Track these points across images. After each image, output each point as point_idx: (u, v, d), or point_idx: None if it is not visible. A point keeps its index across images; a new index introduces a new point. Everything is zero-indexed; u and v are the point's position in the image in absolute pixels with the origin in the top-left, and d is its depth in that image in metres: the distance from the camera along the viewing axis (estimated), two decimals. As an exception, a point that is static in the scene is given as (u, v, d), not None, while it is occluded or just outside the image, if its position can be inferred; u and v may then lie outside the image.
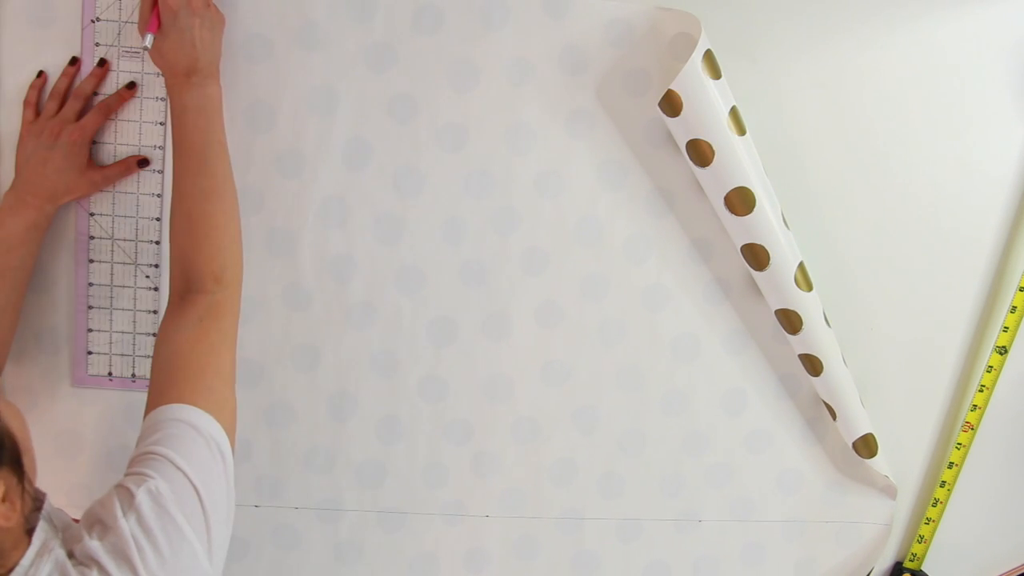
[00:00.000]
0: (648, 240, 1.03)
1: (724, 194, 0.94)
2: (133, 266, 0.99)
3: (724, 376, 1.07)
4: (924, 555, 1.15)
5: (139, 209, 0.98)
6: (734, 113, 0.93)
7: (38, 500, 0.70)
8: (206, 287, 0.83)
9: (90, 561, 0.64)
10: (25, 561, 0.63)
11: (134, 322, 1.00)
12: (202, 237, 0.84)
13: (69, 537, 0.67)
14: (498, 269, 1.02)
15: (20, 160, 0.91)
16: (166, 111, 0.96)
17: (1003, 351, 1.07)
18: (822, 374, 1.02)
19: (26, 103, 0.93)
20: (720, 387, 1.08)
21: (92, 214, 0.97)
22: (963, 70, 1.01)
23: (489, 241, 1.01)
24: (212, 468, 0.72)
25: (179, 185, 0.85)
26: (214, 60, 0.89)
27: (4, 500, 0.62)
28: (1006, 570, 1.18)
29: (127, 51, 0.94)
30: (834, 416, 1.06)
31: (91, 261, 0.98)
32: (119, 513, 0.66)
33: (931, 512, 1.13)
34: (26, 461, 0.67)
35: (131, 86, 0.94)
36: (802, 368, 1.05)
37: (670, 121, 0.93)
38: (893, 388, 1.10)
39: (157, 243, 0.98)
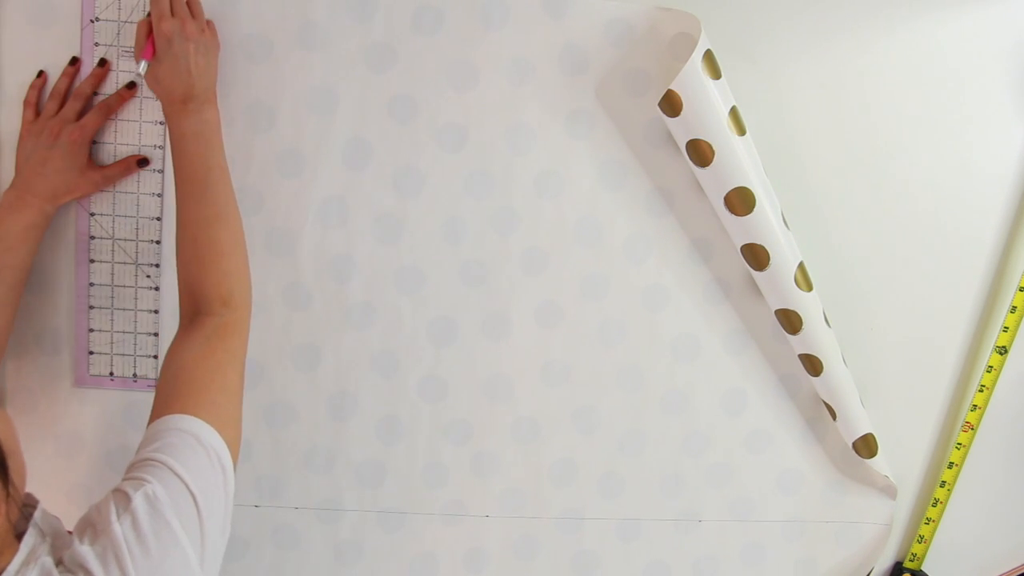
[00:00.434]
0: (648, 240, 1.03)
1: (724, 194, 0.94)
2: (134, 266, 0.99)
3: (724, 376, 1.07)
4: (924, 555, 1.15)
5: (139, 209, 0.98)
6: (734, 113, 0.93)
7: (29, 506, 0.69)
8: (214, 310, 0.83)
9: (78, 567, 0.63)
10: (11, 568, 0.62)
11: (135, 322, 1.00)
12: (209, 263, 0.84)
13: (60, 544, 0.66)
14: (498, 269, 1.02)
15: (20, 160, 0.91)
16: (165, 135, 0.96)
17: (1003, 351, 1.07)
18: (822, 374, 1.02)
19: (26, 103, 0.93)
20: (720, 387, 1.08)
21: (92, 214, 0.97)
22: (963, 70, 1.01)
23: (489, 241, 1.01)
24: (211, 478, 0.71)
25: (182, 212, 0.86)
26: (210, 85, 0.89)
27: None
28: (1006, 570, 1.18)
29: (127, 51, 0.94)
30: (834, 416, 1.06)
31: (92, 261, 0.98)
32: (113, 517, 0.65)
33: (931, 512, 1.13)
34: (12, 465, 0.65)
35: (131, 86, 0.94)
36: (802, 368, 1.05)
37: (670, 121, 0.93)
38: (893, 388, 1.10)
39: (158, 242, 0.98)
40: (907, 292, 1.07)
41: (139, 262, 0.99)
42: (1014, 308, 1.06)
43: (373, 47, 0.95)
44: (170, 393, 0.76)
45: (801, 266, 0.98)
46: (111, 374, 1.01)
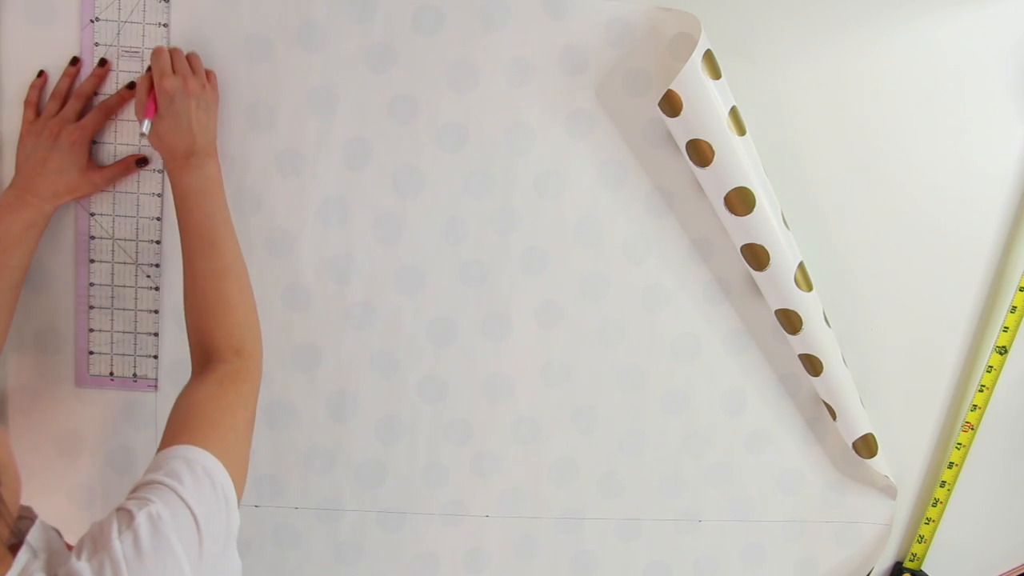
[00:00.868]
0: (648, 240, 1.03)
1: (724, 194, 0.94)
2: (134, 266, 0.99)
3: (724, 376, 1.07)
4: (924, 555, 1.15)
5: (139, 209, 0.98)
6: (734, 113, 0.93)
7: (27, 519, 0.69)
8: (226, 358, 0.84)
9: None
10: None
11: (135, 322, 1.00)
12: (220, 315, 0.85)
13: (56, 561, 0.66)
14: (498, 269, 1.02)
15: (20, 159, 0.91)
16: (162, 183, 0.97)
17: (1003, 351, 1.07)
18: (822, 374, 1.02)
19: (27, 103, 0.93)
20: (720, 387, 1.08)
21: (92, 214, 0.97)
22: (963, 70, 1.01)
23: (489, 241, 1.01)
24: (214, 507, 0.71)
25: (190, 266, 0.86)
26: (211, 139, 0.90)
27: None
28: (1006, 570, 1.18)
29: (127, 51, 0.94)
30: (834, 416, 1.06)
31: (92, 261, 0.98)
32: (114, 533, 0.64)
33: (931, 512, 1.13)
34: (3, 479, 0.65)
35: (131, 86, 0.94)
36: (802, 368, 1.05)
37: (670, 121, 0.93)
38: (893, 388, 1.10)
39: (158, 242, 0.98)
40: (907, 292, 1.07)
41: (139, 262, 0.99)
42: (1014, 308, 1.06)
43: (373, 47, 0.95)
44: (179, 427, 0.76)
45: (801, 266, 0.98)
46: (111, 374, 1.01)
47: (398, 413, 1.04)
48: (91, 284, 0.99)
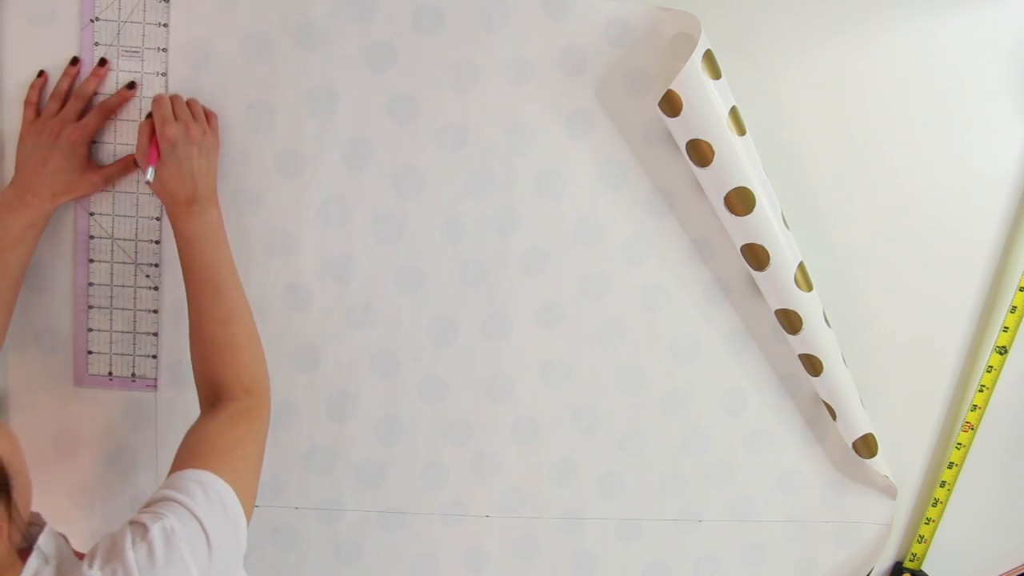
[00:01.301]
0: (648, 240, 1.03)
1: (724, 194, 0.94)
2: (133, 265, 0.99)
3: (724, 376, 1.07)
4: (924, 555, 1.15)
5: (139, 209, 0.98)
6: (734, 113, 0.92)
7: (35, 525, 0.69)
8: (236, 396, 0.85)
9: None
10: None
11: (134, 321, 1.00)
12: (229, 358, 0.86)
13: (66, 568, 0.67)
14: (498, 269, 1.02)
15: (20, 159, 0.91)
16: (162, 223, 0.98)
17: (1003, 351, 1.07)
18: (822, 374, 1.02)
19: (27, 102, 0.93)
20: (720, 387, 1.08)
21: (92, 214, 0.97)
22: (963, 70, 1.01)
23: (489, 241, 1.01)
24: (225, 529, 0.72)
25: (196, 311, 0.87)
26: (212, 184, 0.91)
27: None
28: (1006, 570, 1.18)
29: (127, 50, 0.94)
30: (834, 416, 1.06)
31: (91, 261, 0.98)
32: (128, 544, 0.65)
33: (931, 512, 1.13)
34: (15, 486, 0.65)
35: (131, 86, 0.94)
36: (802, 368, 1.05)
37: (670, 121, 0.93)
38: (893, 388, 1.10)
39: (157, 242, 0.99)
40: (907, 292, 1.07)
41: (138, 262, 0.99)
42: (1014, 308, 1.06)
43: (373, 47, 0.95)
44: (191, 455, 0.77)
45: (801, 266, 0.98)
46: (110, 374, 1.01)
47: (398, 413, 1.04)
48: (90, 284, 0.99)
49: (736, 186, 0.93)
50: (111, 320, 1.00)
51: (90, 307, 0.99)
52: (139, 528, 0.67)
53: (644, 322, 1.05)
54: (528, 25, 0.96)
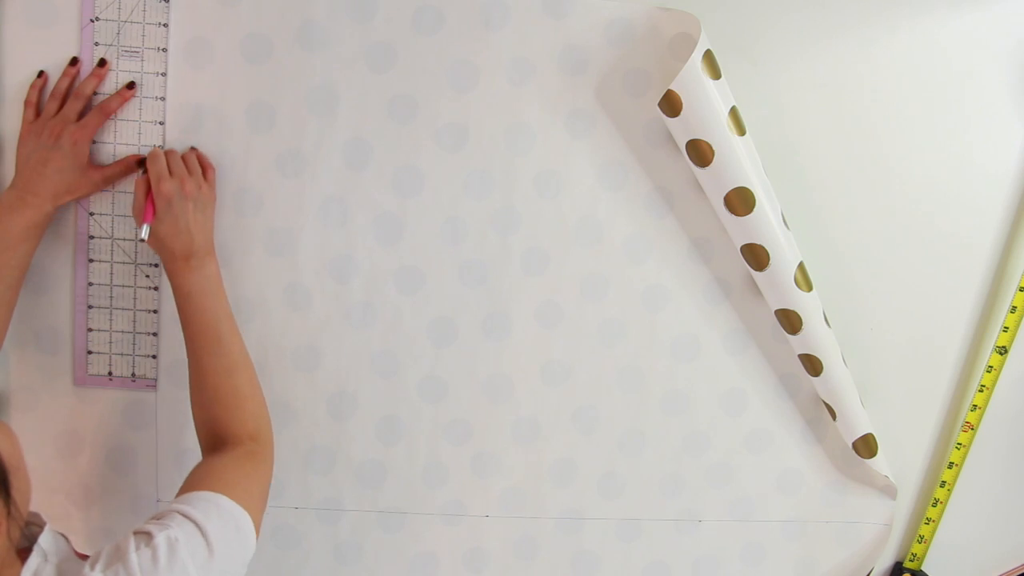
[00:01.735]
0: (648, 240, 1.03)
1: (724, 194, 0.94)
2: (133, 265, 0.99)
3: (724, 376, 1.07)
4: (924, 555, 1.15)
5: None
6: (734, 113, 0.92)
7: (35, 526, 0.69)
8: (242, 441, 0.86)
9: None
10: None
11: (134, 321, 1.00)
12: (233, 408, 0.87)
13: (67, 568, 0.67)
14: (498, 269, 1.02)
15: (20, 159, 0.91)
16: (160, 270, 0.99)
17: (1003, 351, 1.07)
18: (822, 374, 1.02)
19: (27, 103, 0.93)
20: (720, 387, 1.08)
21: (92, 213, 0.97)
22: (963, 70, 1.01)
23: (489, 241, 1.01)
24: (233, 547, 0.73)
25: (198, 364, 0.87)
26: (209, 238, 0.91)
27: None
28: (1006, 570, 1.18)
29: (127, 50, 0.94)
30: (834, 416, 1.06)
31: (91, 260, 0.98)
32: (132, 548, 0.66)
33: (931, 512, 1.13)
34: (14, 483, 0.66)
35: (131, 86, 0.94)
36: (802, 368, 1.05)
37: (670, 121, 0.93)
38: (893, 388, 1.10)
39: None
40: (907, 292, 1.07)
41: (138, 262, 0.99)
42: (1014, 308, 1.06)
43: (373, 47, 0.95)
44: (199, 482, 0.78)
45: (801, 266, 0.98)
46: (110, 374, 1.01)
47: (398, 413, 1.04)
48: (90, 284, 0.99)
49: (736, 186, 0.93)
50: (111, 320, 1.00)
51: (90, 307, 0.99)
52: (144, 536, 0.68)
53: (644, 322, 1.05)
54: (528, 25, 0.96)
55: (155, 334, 1.00)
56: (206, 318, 0.88)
